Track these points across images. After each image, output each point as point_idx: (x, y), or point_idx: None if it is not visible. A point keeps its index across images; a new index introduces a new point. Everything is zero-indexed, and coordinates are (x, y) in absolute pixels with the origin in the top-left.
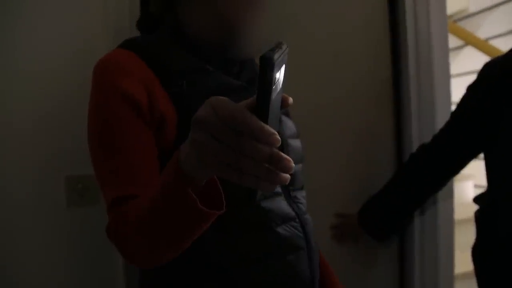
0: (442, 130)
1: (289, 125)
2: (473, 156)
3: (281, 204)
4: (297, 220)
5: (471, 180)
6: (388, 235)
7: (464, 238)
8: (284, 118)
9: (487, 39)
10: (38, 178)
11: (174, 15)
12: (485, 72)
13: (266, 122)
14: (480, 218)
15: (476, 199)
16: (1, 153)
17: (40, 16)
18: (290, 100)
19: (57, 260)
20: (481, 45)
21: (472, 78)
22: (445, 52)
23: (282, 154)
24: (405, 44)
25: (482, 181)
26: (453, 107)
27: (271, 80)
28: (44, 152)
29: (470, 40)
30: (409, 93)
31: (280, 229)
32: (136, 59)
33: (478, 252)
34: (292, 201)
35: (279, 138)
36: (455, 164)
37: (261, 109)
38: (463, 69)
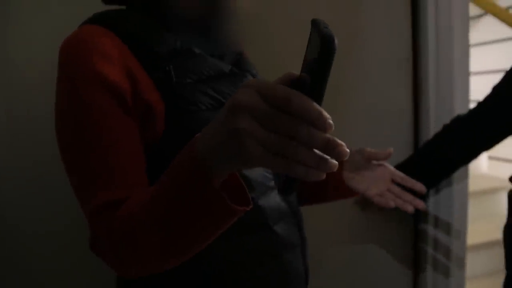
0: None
1: None
2: None
3: (277, 199)
4: (292, 215)
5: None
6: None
7: (476, 210)
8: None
9: (508, 8)
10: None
11: None
12: None
13: (320, 105)
14: None
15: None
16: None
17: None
18: None
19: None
20: (502, 14)
21: (491, 48)
22: (465, 22)
23: (337, 139)
24: (425, 14)
25: (496, 152)
26: (472, 78)
27: (332, 61)
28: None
29: (490, 9)
30: (427, 69)
31: (277, 228)
32: (113, 38)
33: (510, 232)
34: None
35: (332, 123)
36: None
37: (319, 92)
38: (483, 39)
